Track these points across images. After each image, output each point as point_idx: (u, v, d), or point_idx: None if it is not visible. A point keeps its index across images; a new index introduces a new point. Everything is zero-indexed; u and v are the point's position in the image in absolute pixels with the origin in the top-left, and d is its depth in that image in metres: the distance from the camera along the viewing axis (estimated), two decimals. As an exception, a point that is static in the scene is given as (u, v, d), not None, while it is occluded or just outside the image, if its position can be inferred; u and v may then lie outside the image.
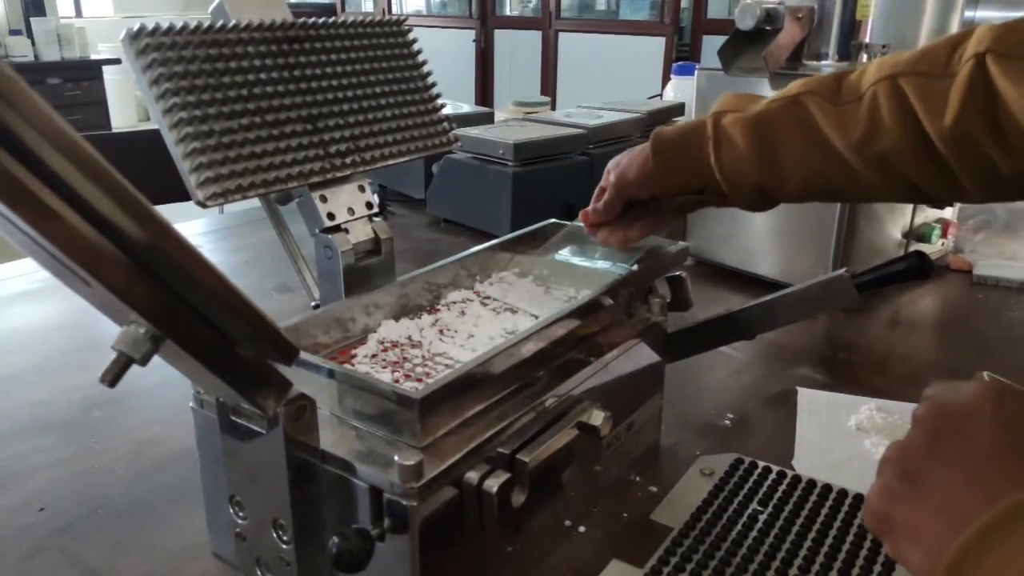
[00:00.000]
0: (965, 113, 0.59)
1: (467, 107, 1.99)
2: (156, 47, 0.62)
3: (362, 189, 0.74)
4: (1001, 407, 0.41)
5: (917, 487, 0.40)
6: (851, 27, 1.15)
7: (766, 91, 1.16)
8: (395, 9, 5.94)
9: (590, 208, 0.78)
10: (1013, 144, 0.58)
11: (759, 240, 1.26)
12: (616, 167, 0.76)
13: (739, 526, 0.68)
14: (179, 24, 0.63)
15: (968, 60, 0.60)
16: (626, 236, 0.77)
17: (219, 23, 0.66)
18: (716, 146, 0.71)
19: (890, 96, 0.64)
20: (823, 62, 1.16)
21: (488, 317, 0.73)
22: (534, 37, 5.20)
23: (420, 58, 0.81)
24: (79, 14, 6.43)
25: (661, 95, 2.36)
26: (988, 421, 0.40)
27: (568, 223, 0.86)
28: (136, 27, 0.61)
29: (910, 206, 1.24)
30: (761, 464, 0.76)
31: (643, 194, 0.75)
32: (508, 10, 5.62)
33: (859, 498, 0.70)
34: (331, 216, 0.71)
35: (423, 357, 0.66)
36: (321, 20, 0.73)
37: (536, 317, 0.72)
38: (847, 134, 0.65)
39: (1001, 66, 0.58)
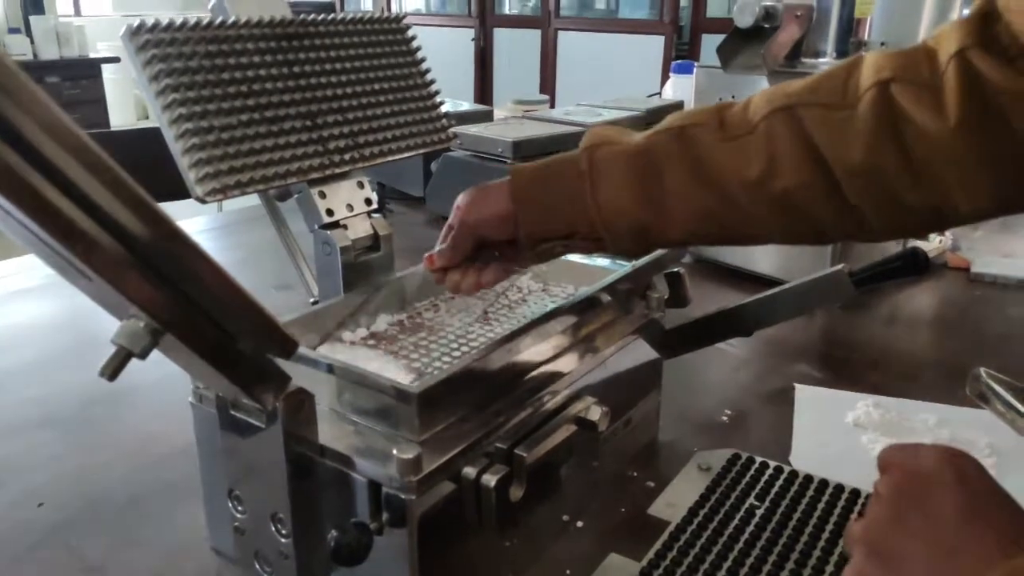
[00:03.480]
0: (875, 145, 0.55)
1: (466, 105, 1.99)
2: (156, 43, 0.62)
3: (361, 185, 0.74)
4: (962, 475, 0.41)
5: (890, 566, 0.40)
6: (850, 25, 1.15)
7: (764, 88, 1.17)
8: (394, 7, 5.94)
9: (435, 251, 0.68)
10: (922, 173, 0.54)
11: (757, 238, 1.26)
12: (467, 203, 0.67)
13: (736, 520, 0.68)
14: (179, 20, 0.64)
15: (869, 89, 0.55)
16: (479, 282, 0.67)
17: (219, 19, 0.67)
18: (594, 184, 0.62)
19: (789, 128, 0.57)
20: (821, 60, 1.16)
21: (487, 311, 0.73)
22: (533, 36, 5.20)
23: (419, 55, 0.82)
24: (78, 12, 6.40)
25: (660, 94, 2.36)
26: (952, 490, 0.40)
27: None
28: (136, 23, 0.61)
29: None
30: (758, 459, 0.76)
31: (499, 236, 0.66)
32: (507, 9, 5.62)
33: (855, 493, 0.71)
34: (330, 212, 0.71)
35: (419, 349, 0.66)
36: (320, 17, 0.73)
37: (535, 313, 0.72)
38: (743, 171, 0.58)
39: (910, 94, 0.54)
